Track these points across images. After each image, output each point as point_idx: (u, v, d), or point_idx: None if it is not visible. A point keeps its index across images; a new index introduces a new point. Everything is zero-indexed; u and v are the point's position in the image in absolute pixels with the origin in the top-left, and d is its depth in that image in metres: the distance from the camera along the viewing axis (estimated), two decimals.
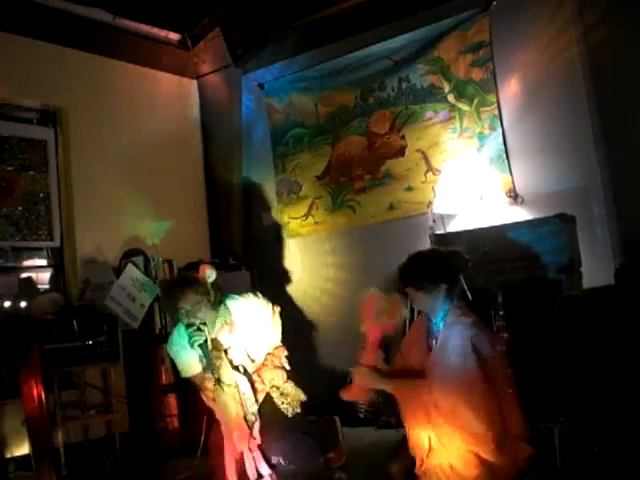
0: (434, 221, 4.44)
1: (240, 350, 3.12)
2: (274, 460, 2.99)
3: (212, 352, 3.00)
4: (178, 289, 2.98)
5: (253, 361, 3.15)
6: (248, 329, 3.14)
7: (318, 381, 5.08)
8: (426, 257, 2.80)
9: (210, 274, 3.06)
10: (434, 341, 2.70)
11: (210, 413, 3.19)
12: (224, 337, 3.09)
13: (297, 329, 5.01)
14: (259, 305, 3.23)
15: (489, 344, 2.57)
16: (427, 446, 2.57)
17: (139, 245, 5.10)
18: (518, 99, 4.63)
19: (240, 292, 3.27)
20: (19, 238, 4.78)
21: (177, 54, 5.90)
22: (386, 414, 4.33)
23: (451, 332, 2.61)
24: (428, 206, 4.53)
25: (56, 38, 4.96)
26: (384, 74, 5.22)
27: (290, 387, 3.20)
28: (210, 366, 2.99)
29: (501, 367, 2.59)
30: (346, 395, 2.82)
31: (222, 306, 3.09)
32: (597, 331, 2.98)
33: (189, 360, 3.09)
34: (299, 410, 3.17)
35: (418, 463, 2.61)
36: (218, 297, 3.08)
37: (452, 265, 2.72)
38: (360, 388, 2.77)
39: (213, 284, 3.07)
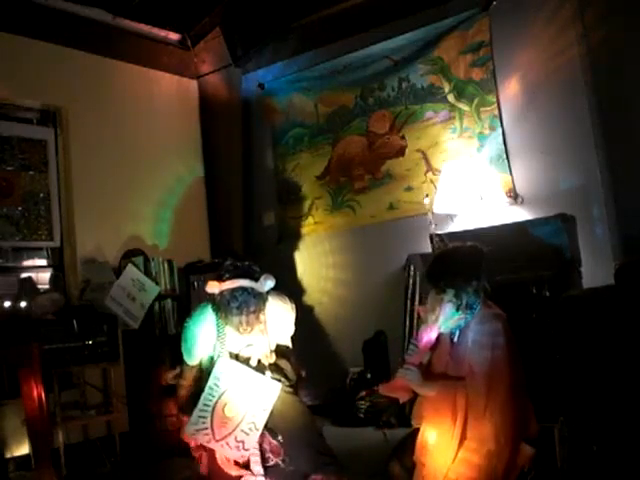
0: (430, 223, 4.42)
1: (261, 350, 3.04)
2: (273, 461, 2.96)
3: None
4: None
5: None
6: (273, 327, 3.06)
7: (317, 382, 5.09)
8: (455, 258, 2.71)
9: (270, 283, 2.96)
10: (457, 331, 2.65)
11: None
12: (255, 337, 2.99)
13: (296, 329, 5.00)
14: (281, 302, 3.14)
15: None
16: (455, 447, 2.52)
17: (139, 245, 5.10)
18: (518, 99, 4.63)
19: None
20: (19, 238, 4.78)
21: (177, 54, 5.90)
22: (386, 414, 4.36)
23: (485, 328, 2.57)
24: (430, 212, 4.49)
25: (56, 38, 4.95)
26: (384, 74, 5.22)
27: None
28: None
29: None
30: (386, 390, 2.79)
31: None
32: (597, 331, 2.98)
33: (195, 349, 3.03)
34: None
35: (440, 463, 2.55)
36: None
37: (479, 261, 2.66)
38: (402, 387, 2.69)
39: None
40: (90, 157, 5.07)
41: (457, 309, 2.57)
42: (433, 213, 4.47)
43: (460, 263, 2.65)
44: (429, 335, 2.65)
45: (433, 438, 2.57)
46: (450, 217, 4.64)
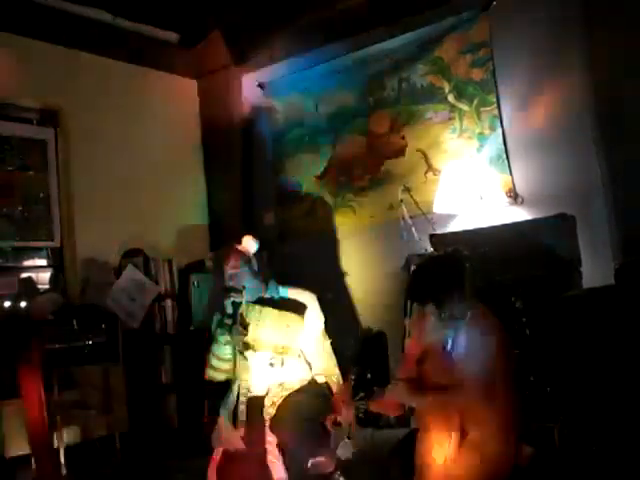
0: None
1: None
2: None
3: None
4: (224, 256, 3.22)
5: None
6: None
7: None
8: (433, 271, 2.67)
9: (252, 245, 3.29)
10: (450, 339, 2.64)
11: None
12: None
13: None
14: (308, 296, 3.48)
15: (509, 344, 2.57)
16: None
17: (139, 245, 5.10)
18: (518, 99, 4.63)
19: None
20: (19, 238, 4.79)
21: (177, 54, 5.90)
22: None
23: (478, 333, 2.54)
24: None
25: (56, 38, 4.95)
26: (384, 74, 5.22)
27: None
28: (234, 333, 3.12)
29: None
30: (376, 407, 2.78)
31: (271, 284, 3.36)
32: (597, 331, 2.98)
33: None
34: None
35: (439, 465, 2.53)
36: (262, 268, 3.32)
37: (460, 269, 2.63)
38: (392, 403, 2.70)
39: (256, 255, 3.30)
40: (90, 157, 5.08)
41: (441, 321, 2.56)
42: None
43: (438, 275, 2.60)
44: (415, 348, 2.65)
45: (432, 440, 2.57)
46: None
